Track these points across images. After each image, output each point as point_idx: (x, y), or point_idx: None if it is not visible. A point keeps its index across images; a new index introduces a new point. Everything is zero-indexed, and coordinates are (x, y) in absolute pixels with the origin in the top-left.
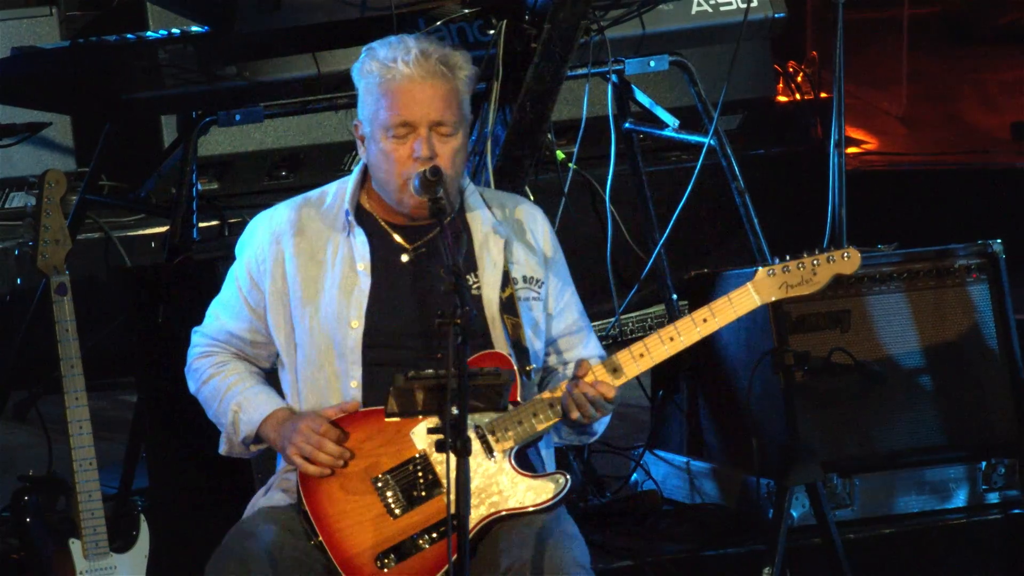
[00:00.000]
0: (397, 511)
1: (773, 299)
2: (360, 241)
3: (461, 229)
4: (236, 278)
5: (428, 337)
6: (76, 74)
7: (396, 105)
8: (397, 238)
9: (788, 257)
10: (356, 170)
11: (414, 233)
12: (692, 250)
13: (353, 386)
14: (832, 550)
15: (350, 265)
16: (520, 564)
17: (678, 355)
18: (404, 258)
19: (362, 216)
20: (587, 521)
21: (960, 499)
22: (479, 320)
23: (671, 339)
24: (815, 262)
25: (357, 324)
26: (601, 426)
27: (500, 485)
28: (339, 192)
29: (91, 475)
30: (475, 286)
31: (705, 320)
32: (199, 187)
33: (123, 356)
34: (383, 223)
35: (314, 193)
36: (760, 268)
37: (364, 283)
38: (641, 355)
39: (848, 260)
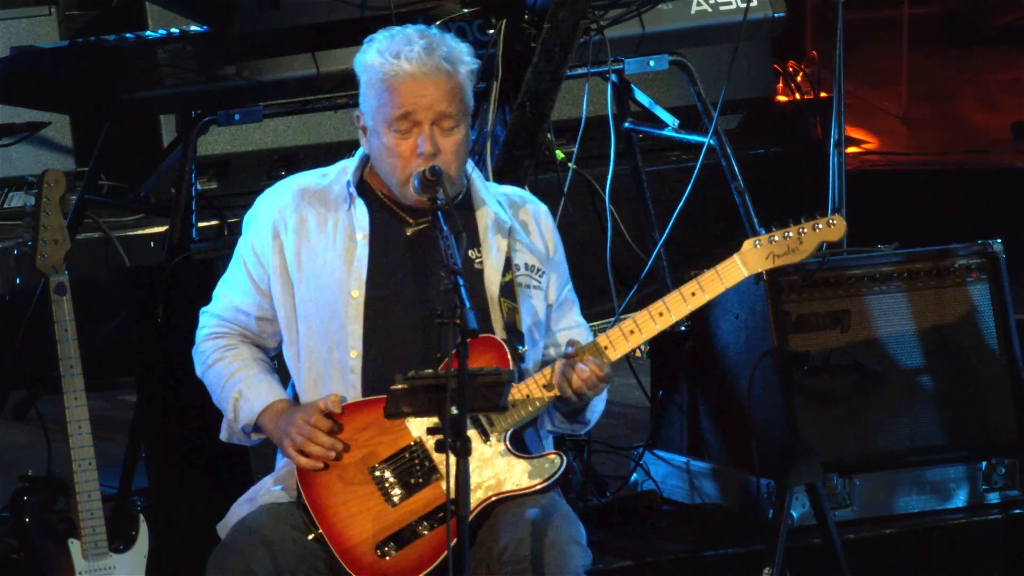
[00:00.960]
0: (395, 499)
1: (760, 270)
2: (360, 212)
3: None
4: (242, 254)
5: (426, 313)
6: (75, 74)
7: (399, 100)
8: (400, 213)
9: (774, 227)
10: (359, 152)
11: (417, 210)
12: (692, 250)
13: (353, 356)
14: (832, 550)
15: (350, 235)
16: (515, 542)
17: (677, 354)
18: (409, 231)
19: (364, 189)
20: (587, 521)
21: (960, 499)
22: (479, 299)
23: (660, 314)
24: (801, 231)
25: (357, 293)
26: (594, 415)
27: (497, 468)
28: (342, 170)
29: (90, 475)
30: (477, 261)
31: (693, 294)
32: (198, 187)
33: (122, 356)
34: (385, 198)
35: (315, 172)
36: (746, 240)
37: (363, 252)
38: (631, 331)
39: (833, 227)
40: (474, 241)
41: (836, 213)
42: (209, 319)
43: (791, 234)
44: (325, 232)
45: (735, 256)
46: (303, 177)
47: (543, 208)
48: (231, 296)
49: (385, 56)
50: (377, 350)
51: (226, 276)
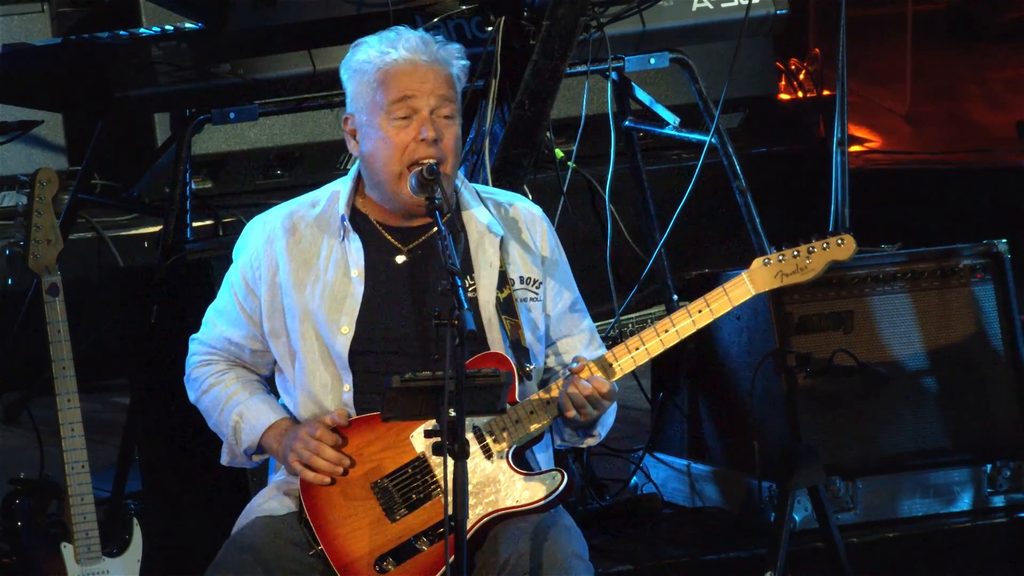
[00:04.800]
0: (396, 514)
1: (768, 288)
2: (355, 247)
3: (460, 228)
4: (232, 284)
5: (424, 339)
6: (68, 71)
7: (398, 85)
8: (392, 240)
9: (784, 246)
10: (351, 173)
11: (410, 234)
12: (693, 250)
13: (346, 390)
14: (834, 554)
15: (344, 271)
16: (518, 555)
17: (678, 356)
18: (400, 259)
19: (356, 220)
20: (587, 525)
21: (964, 502)
22: (475, 323)
23: (666, 331)
24: (810, 249)
25: (347, 330)
26: (604, 428)
27: (498, 484)
28: (332, 196)
29: (83, 478)
30: (470, 288)
31: (700, 311)
32: (193, 186)
33: (116, 357)
34: (378, 226)
35: (305, 198)
36: (755, 258)
37: (357, 290)
38: (636, 348)
39: (842, 246)
40: (466, 266)
41: (846, 232)
42: (199, 347)
43: (800, 253)
44: (317, 265)
45: (743, 274)
46: (292, 204)
47: (538, 213)
48: (222, 327)
49: (380, 48)
50: (368, 384)
51: (216, 304)
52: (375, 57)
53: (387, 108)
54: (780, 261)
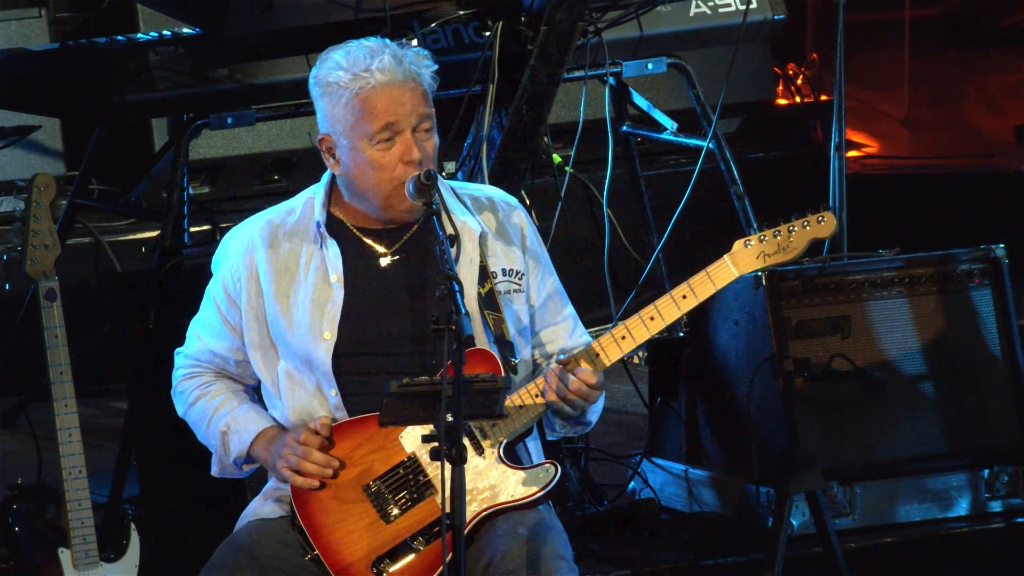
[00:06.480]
0: (390, 516)
1: (751, 270)
2: (333, 253)
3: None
4: (214, 297)
5: (414, 339)
6: (66, 76)
7: (378, 112)
8: (371, 243)
9: (765, 226)
10: (324, 179)
11: (389, 237)
12: (690, 255)
13: (333, 394)
14: (832, 559)
15: (323, 277)
16: (501, 556)
17: (676, 361)
18: (383, 262)
19: (333, 226)
20: (584, 530)
21: (962, 507)
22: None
23: (651, 319)
24: (791, 229)
25: (330, 336)
26: (594, 415)
27: (491, 480)
28: (307, 204)
29: (81, 483)
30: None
31: (684, 296)
32: (190, 191)
33: (113, 362)
34: (355, 230)
35: (282, 206)
36: (736, 240)
37: (338, 295)
38: (623, 337)
39: (823, 224)
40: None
41: (826, 208)
42: (184, 360)
43: (781, 233)
44: (297, 274)
45: (725, 257)
46: (269, 213)
47: (513, 203)
48: (206, 339)
49: (353, 71)
50: (356, 388)
51: (199, 317)
52: (349, 81)
53: (371, 134)
54: (761, 242)
